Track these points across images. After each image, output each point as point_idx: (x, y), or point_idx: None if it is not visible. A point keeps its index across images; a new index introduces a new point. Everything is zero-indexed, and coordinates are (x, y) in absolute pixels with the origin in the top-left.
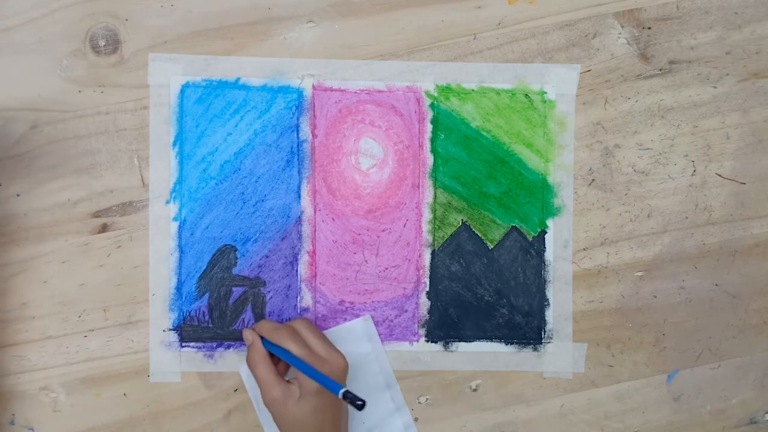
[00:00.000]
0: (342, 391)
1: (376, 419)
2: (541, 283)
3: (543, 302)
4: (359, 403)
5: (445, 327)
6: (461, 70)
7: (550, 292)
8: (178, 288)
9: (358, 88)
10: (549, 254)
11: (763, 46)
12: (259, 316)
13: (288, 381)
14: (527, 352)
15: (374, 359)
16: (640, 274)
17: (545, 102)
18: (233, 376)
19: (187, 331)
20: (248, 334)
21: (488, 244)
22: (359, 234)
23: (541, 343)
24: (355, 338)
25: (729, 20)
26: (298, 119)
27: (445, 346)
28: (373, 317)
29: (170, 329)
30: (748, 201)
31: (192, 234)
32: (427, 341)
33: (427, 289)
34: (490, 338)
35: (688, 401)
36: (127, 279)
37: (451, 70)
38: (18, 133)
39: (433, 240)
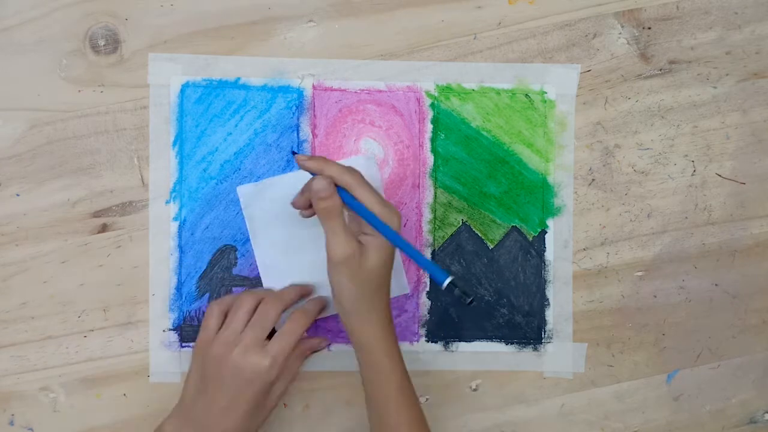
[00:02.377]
0: (450, 279)
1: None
2: (541, 283)
3: (543, 302)
4: (470, 299)
5: (445, 327)
6: (461, 70)
7: (550, 292)
8: (178, 288)
9: (358, 88)
10: (549, 254)
11: (763, 46)
12: None
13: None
14: (527, 352)
15: None
16: (640, 274)
17: (545, 102)
18: None
19: (187, 331)
20: (322, 182)
21: (488, 244)
22: None
23: (541, 343)
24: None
25: (729, 20)
26: (298, 119)
27: (446, 346)
28: None
29: (170, 329)
30: (748, 201)
31: (192, 234)
32: (428, 341)
33: (428, 289)
34: (490, 338)
35: (688, 401)
36: (127, 279)
37: (452, 70)
38: (18, 133)
39: (434, 240)
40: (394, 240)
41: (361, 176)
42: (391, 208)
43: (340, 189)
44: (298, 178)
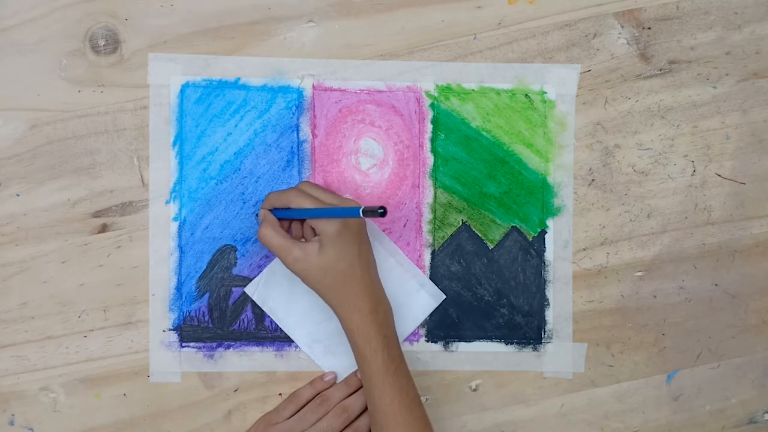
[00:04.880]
0: (360, 209)
1: (404, 298)
2: (541, 283)
3: (543, 302)
4: (380, 211)
5: (445, 327)
6: (461, 70)
7: (550, 292)
8: (178, 288)
9: (358, 88)
10: (549, 254)
11: (762, 46)
12: (259, 317)
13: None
14: (527, 352)
15: (386, 253)
16: (640, 274)
17: (545, 102)
18: (233, 376)
19: (187, 331)
20: (260, 212)
21: (488, 244)
22: None
23: (541, 343)
24: None
25: (729, 20)
26: (298, 119)
27: (445, 346)
28: None
29: (170, 329)
30: (748, 201)
31: (192, 234)
32: (427, 341)
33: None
34: (490, 338)
35: (688, 401)
36: (127, 279)
37: (451, 70)
38: (18, 133)
39: (434, 240)
40: (317, 213)
41: (303, 187)
42: (341, 202)
43: (276, 211)
44: None
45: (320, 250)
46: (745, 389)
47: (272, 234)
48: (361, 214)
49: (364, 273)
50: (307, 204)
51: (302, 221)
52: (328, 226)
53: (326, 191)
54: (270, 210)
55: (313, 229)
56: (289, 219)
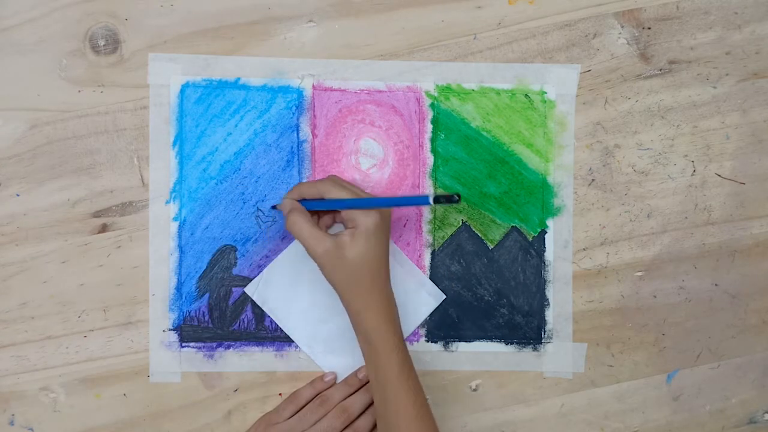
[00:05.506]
0: (432, 197)
1: (404, 298)
2: (541, 283)
3: (543, 302)
4: (456, 197)
5: (445, 327)
6: (461, 70)
7: (550, 292)
8: (178, 288)
9: (358, 88)
10: (549, 254)
11: (762, 46)
12: (259, 317)
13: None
14: (527, 352)
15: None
16: (639, 274)
17: (545, 102)
18: (233, 376)
19: (187, 331)
20: (286, 202)
21: (488, 244)
22: None
23: (541, 343)
24: None
25: (729, 20)
26: (298, 119)
27: (445, 346)
28: None
29: (170, 329)
30: (748, 201)
31: (192, 234)
32: (427, 341)
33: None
34: (490, 338)
35: (688, 401)
36: (127, 279)
37: (451, 70)
38: (18, 133)
39: (434, 240)
40: (366, 203)
41: (334, 179)
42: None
43: (305, 202)
44: (293, 251)
45: (352, 241)
46: (745, 389)
47: (303, 222)
48: (432, 202)
49: (386, 270)
50: (344, 195)
51: (329, 214)
52: (367, 219)
53: (353, 185)
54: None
55: (343, 222)
56: (317, 211)
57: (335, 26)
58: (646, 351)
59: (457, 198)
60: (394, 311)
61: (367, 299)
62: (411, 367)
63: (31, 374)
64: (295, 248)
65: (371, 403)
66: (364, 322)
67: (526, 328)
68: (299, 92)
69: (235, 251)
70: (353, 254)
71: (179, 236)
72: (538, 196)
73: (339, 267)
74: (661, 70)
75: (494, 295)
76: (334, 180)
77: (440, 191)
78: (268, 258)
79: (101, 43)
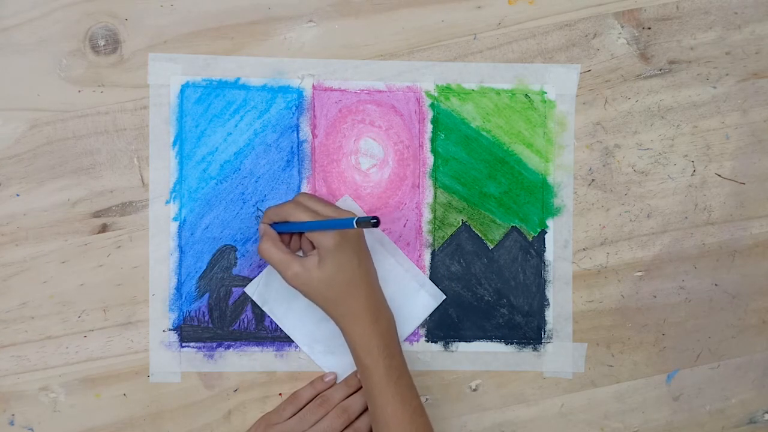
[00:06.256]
0: (354, 220)
1: (404, 299)
2: (541, 283)
3: (543, 302)
4: (373, 221)
5: (445, 327)
6: (461, 70)
7: (550, 292)
8: (178, 288)
9: (358, 88)
10: (549, 254)
11: (762, 46)
12: (259, 317)
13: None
14: (527, 352)
15: (389, 255)
16: (639, 274)
17: (545, 102)
18: (233, 376)
19: (187, 331)
20: (260, 227)
21: (488, 244)
22: None
23: (541, 343)
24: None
25: (729, 20)
26: (298, 119)
27: (445, 346)
28: None
29: (170, 329)
30: (748, 201)
31: (192, 234)
32: (427, 341)
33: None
34: (490, 338)
35: (688, 401)
36: (127, 279)
37: (451, 70)
38: (18, 133)
39: (434, 240)
40: (313, 226)
41: (299, 200)
42: (338, 213)
43: (276, 225)
44: None
45: (319, 263)
46: (745, 389)
47: (271, 249)
48: (355, 225)
49: (364, 283)
50: (303, 217)
51: (301, 234)
52: (325, 239)
53: (324, 203)
54: (270, 224)
55: (311, 242)
56: (289, 233)
57: (335, 26)
58: (646, 351)
59: (376, 221)
60: (383, 322)
61: (347, 313)
62: (402, 371)
63: (31, 374)
64: None
65: None
66: (347, 334)
67: (526, 328)
68: (299, 92)
69: (235, 251)
70: (321, 274)
71: (179, 236)
72: (538, 196)
73: (311, 287)
74: (661, 70)
75: (494, 295)
76: (298, 201)
77: (362, 215)
78: None
79: (101, 43)
